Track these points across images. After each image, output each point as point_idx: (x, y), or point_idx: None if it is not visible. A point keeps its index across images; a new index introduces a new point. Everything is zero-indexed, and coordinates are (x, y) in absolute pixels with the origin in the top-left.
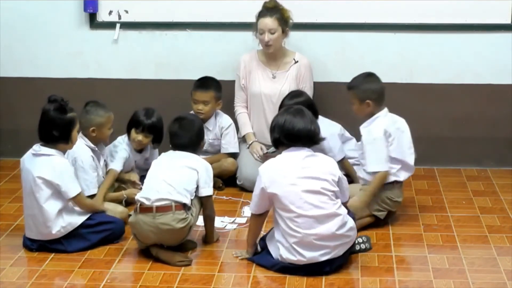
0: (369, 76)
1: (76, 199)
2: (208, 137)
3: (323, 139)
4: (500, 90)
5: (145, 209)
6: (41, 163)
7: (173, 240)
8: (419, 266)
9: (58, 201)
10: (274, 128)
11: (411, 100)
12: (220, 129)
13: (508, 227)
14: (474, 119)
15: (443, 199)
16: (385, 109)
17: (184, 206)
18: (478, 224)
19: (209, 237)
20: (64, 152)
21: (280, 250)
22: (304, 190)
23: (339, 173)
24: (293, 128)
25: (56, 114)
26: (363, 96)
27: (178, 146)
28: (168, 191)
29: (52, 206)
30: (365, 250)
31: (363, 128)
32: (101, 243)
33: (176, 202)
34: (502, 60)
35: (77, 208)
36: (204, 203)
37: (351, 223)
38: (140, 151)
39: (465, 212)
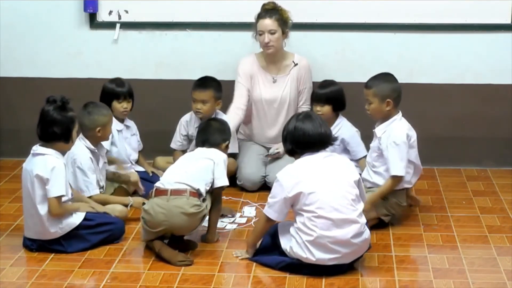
0: (389, 75)
1: (52, 201)
2: None
3: (336, 138)
4: (500, 90)
5: (160, 192)
6: (37, 162)
7: (183, 227)
8: (419, 266)
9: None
10: (286, 138)
11: (411, 100)
12: None
13: (508, 227)
14: (474, 119)
15: (443, 199)
16: (400, 113)
17: (199, 196)
18: (478, 224)
19: (211, 233)
20: (62, 153)
21: (292, 243)
22: (327, 192)
23: (358, 174)
24: (304, 135)
25: (58, 113)
26: (384, 94)
27: (203, 142)
28: (184, 176)
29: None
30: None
31: (379, 131)
32: (100, 243)
33: (191, 188)
34: (502, 60)
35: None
36: (216, 194)
37: (367, 234)
38: (122, 120)
39: (465, 212)
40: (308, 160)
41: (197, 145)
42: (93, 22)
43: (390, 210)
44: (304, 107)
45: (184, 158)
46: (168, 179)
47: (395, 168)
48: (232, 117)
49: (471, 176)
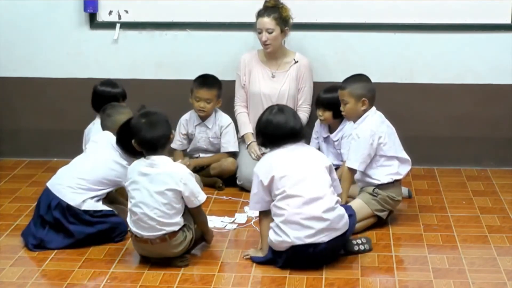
0: (363, 76)
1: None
2: (208, 135)
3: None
4: (500, 90)
5: (141, 240)
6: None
7: (174, 256)
8: (419, 266)
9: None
10: (259, 131)
11: (411, 100)
12: (219, 128)
13: (508, 227)
14: (474, 119)
15: (443, 199)
16: (374, 107)
17: (178, 230)
18: (478, 224)
19: (207, 240)
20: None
21: (270, 235)
22: (298, 175)
23: (329, 162)
24: (275, 129)
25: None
26: (360, 93)
27: (147, 143)
28: (157, 224)
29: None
30: (365, 251)
31: (354, 129)
32: (103, 237)
33: (170, 231)
34: (502, 60)
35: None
36: (196, 212)
37: (341, 211)
38: None
39: (465, 212)
40: (280, 151)
41: (141, 148)
42: (93, 22)
43: (385, 206)
44: (304, 106)
45: (144, 188)
46: (142, 230)
47: (350, 160)
48: (245, 116)
49: (471, 176)
